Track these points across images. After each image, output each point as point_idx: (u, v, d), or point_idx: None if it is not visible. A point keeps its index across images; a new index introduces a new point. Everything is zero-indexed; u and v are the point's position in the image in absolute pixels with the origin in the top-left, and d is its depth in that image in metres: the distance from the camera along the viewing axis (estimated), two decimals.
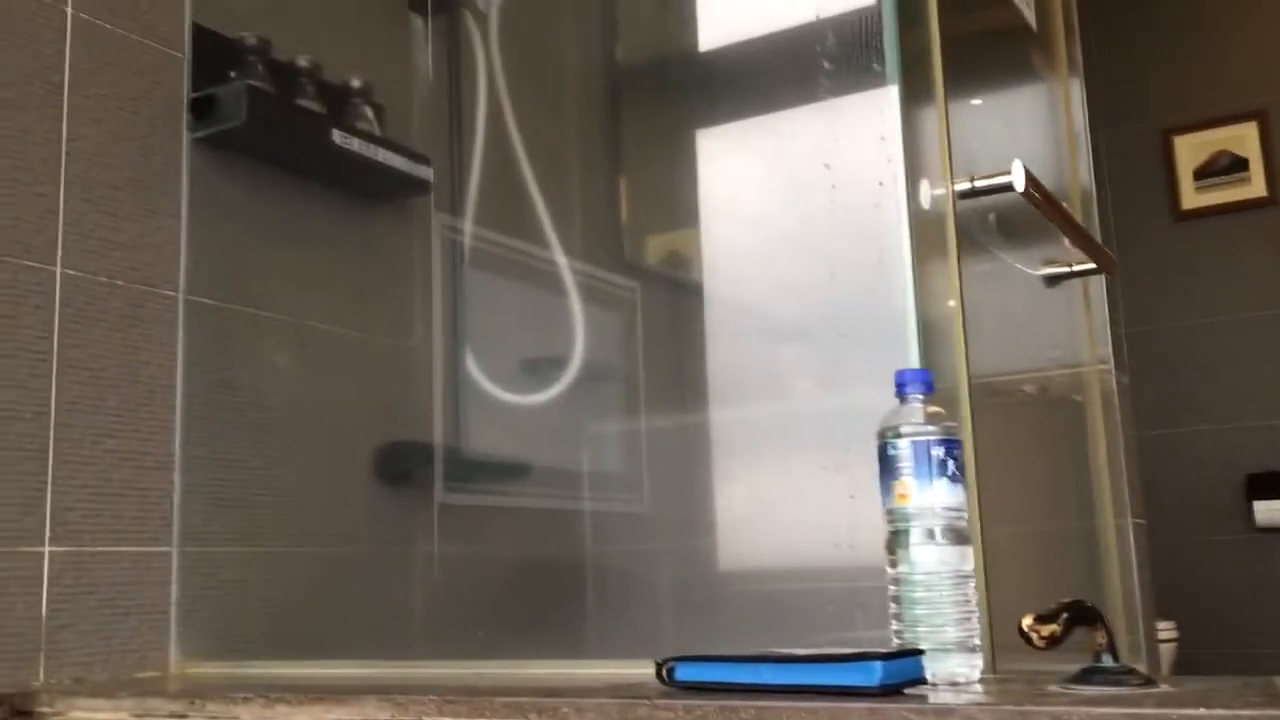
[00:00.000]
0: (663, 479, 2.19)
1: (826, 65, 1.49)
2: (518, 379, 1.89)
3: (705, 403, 2.25)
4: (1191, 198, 3.21)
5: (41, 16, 1.24)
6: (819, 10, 1.69)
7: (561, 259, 1.89)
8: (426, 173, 1.64)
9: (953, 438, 0.87)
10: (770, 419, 2.17)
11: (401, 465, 1.62)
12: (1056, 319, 1.80)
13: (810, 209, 2.02)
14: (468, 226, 1.83)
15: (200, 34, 1.41)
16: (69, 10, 1.27)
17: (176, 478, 1.31)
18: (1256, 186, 3.13)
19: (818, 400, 2.16)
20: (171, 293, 1.34)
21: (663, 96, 2.35)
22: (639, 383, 2.22)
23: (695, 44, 2.30)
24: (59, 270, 1.23)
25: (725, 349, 2.28)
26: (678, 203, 2.32)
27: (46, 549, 1.17)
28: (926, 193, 1.16)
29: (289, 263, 1.51)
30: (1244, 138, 3.14)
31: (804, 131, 1.96)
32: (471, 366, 1.80)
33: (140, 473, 1.27)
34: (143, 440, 1.28)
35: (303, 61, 1.49)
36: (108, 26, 1.31)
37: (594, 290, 2.03)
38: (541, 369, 1.90)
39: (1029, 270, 1.67)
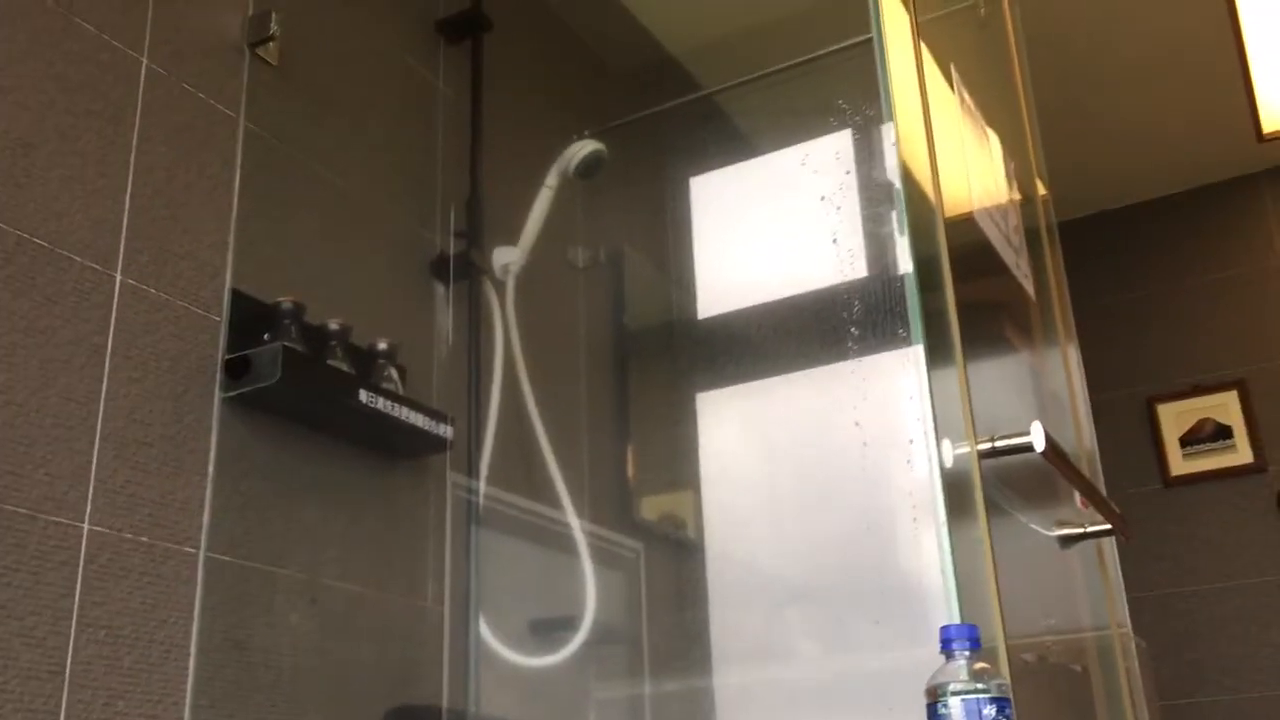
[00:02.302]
0: None
1: (850, 329, 1.55)
2: (528, 640, 1.85)
3: (710, 666, 2.21)
4: (1180, 464, 3.27)
5: (90, 283, 1.30)
6: (832, 278, 1.78)
7: (573, 519, 1.90)
8: (447, 431, 1.67)
9: (1004, 696, 0.86)
10: (777, 682, 2.12)
11: None
12: (1071, 580, 1.80)
13: (827, 469, 2.05)
14: (481, 486, 1.84)
15: (238, 298, 1.46)
16: (118, 277, 1.33)
17: None
18: (1243, 453, 3.20)
19: (827, 663, 2.13)
20: (192, 550, 1.34)
21: (666, 361, 2.43)
22: (644, 645, 2.18)
23: (696, 312, 2.40)
24: (86, 527, 1.23)
25: (728, 610, 2.26)
26: (678, 463, 2.36)
27: None
28: (949, 451, 1.19)
29: (308, 519, 1.51)
30: (1226, 406, 3.24)
31: (822, 392, 2.02)
32: (483, 627, 1.77)
33: None
34: (153, 703, 1.25)
35: (333, 325, 1.55)
36: (152, 291, 1.36)
37: (601, 550, 2.03)
38: (551, 629, 1.87)
39: (1043, 531, 1.68)
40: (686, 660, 2.19)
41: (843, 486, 2.04)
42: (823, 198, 1.92)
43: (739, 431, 2.31)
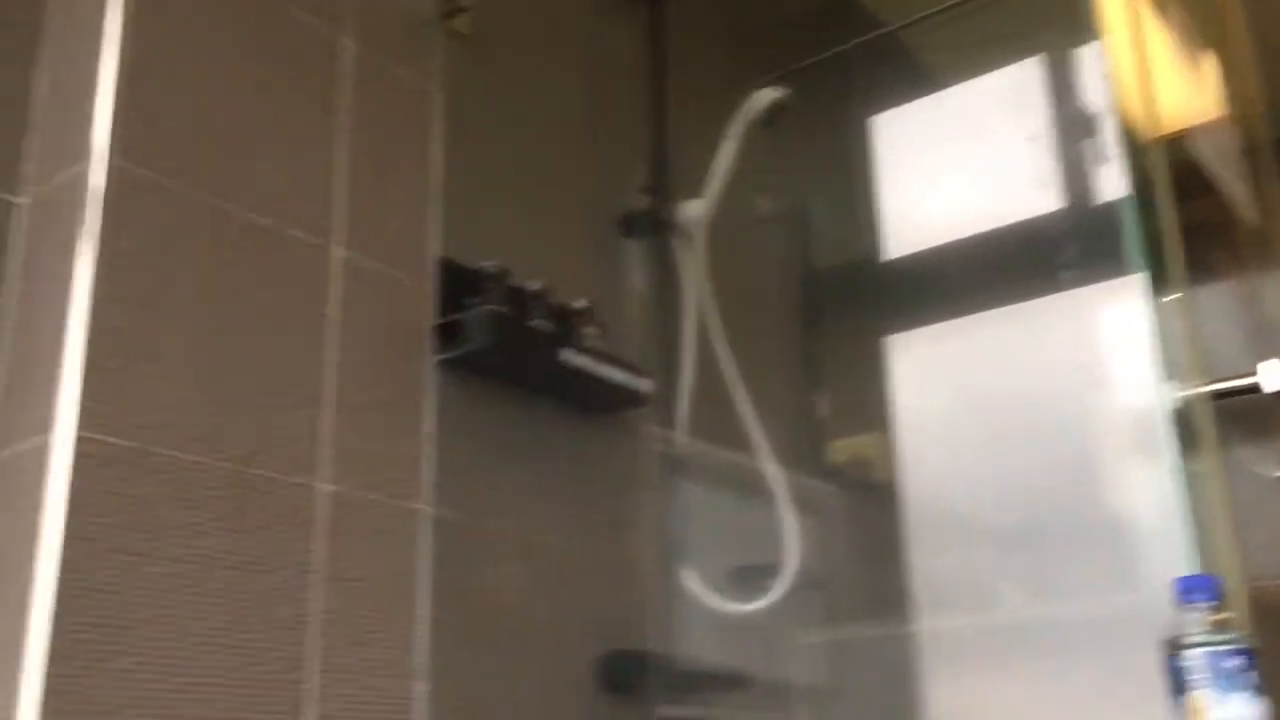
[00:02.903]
0: (871, 692, 2.12)
1: (1056, 261, 1.51)
2: (729, 588, 1.88)
3: (911, 611, 2.20)
4: None
5: (310, 259, 1.37)
6: (1034, 208, 1.72)
7: (770, 466, 1.91)
8: (645, 385, 1.70)
9: (1248, 647, 0.83)
10: (981, 628, 2.10)
11: (623, 675, 1.62)
12: None
13: (1031, 407, 2.00)
14: (679, 437, 1.87)
15: (445, 265, 1.52)
16: (335, 251, 1.40)
17: (420, 687, 1.34)
18: None
19: (1033, 609, 2.09)
20: (418, 506, 1.41)
21: (856, 304, 2.40)
22: (842, 591, 2.18)
23: (885, 254, 2.36)
24: (323, 487, 1.31)
25: (928, 554, 2.24)
26: (872, 407, 2.33)
27: None
28: (1172, 389, 1.15)
29: (518, 475, 1.57)
30: None
31: (1026, 328, 1.97)
32: (685, 575, 1.81)
33: (390, 681, 1.31)
34: (389, 650, 1.33)
35: (534, 286, 1.59)
36: (367, 263, 1.43)
37: (797, 497, 2.03)
38: (752, 576, 1.89)
39: (1266, 473, 1.61)
40: (886, 605, 2.18)
41: (1049, 425, 1.98)
42: (1019, 126, 1.85)
43: (934, 372, 2.27)
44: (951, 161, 2.16)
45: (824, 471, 2.26)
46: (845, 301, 2.41)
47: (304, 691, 1.23)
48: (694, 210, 1.96)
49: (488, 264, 1.55)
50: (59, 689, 1.05)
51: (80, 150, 1.22)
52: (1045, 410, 2.05)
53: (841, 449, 2.37)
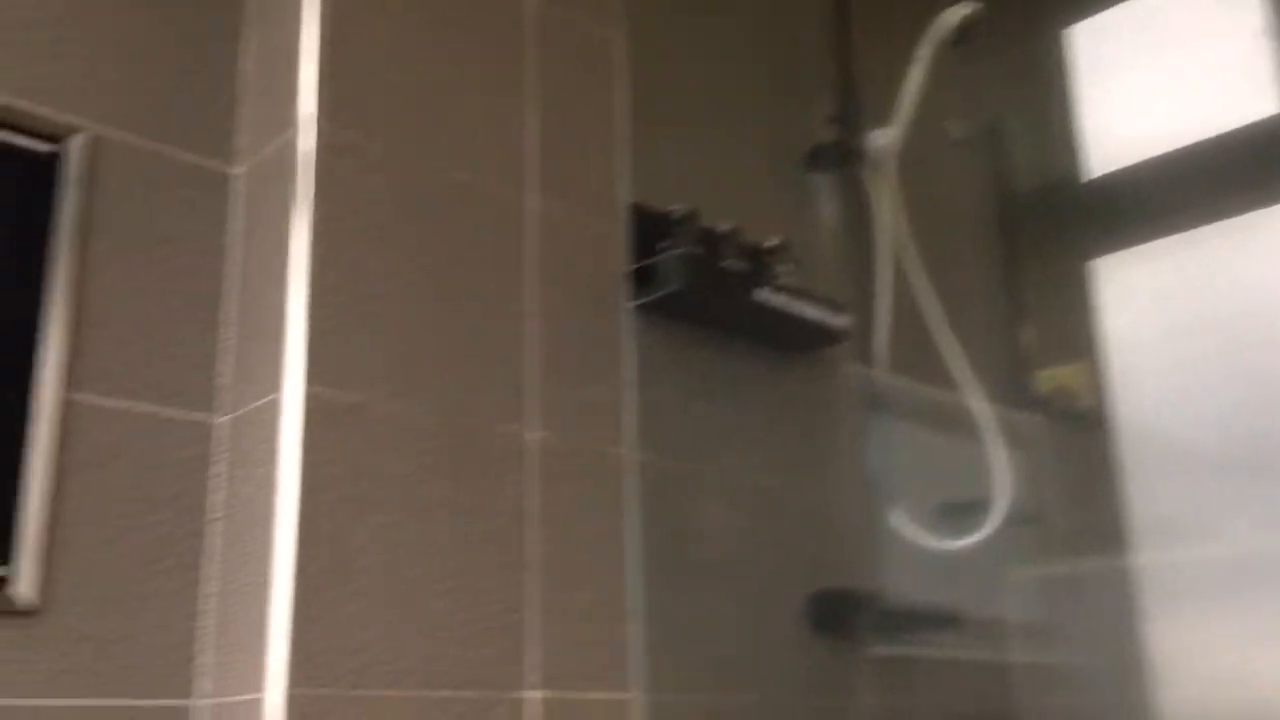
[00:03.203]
0: (1089, 628, 2.05)
1: None
2: (937, 525, 1.84)
3: (1128, 544, 2.11)
4: None
5: (506, 211, 1.39)
6: (1258, 112, 1.59)
7: (974, 399, 1.86)
8: (842, 321, 1.67)
9: None
10: (1203, 561, 1.99)
11: (833, 614, 1.61)
12: None
13: (1254, 328, 1.88)
14: (878, 372, 1.84)
15: (636, 210, 1.52)
16: (529, 202, 1.42)
17: (634, 628, 1.37)
18: None
19: (1258, 540, 1.97)
20: (622, 450, 1.43)
21: (1057, 226, 2.30)
22: (1056, 524, 2.11)
23: (1087, 172, 2.24)
24: (531, 434, 1.34)
25: (1144, 484, 2.14)
26: (1077, 333, 2.23)
27: (533, 694, 1.25)
28: None
29: (718, 418, 1.57)
30: None
31: (1247, 244, 1.85)
32: (891, 513, 1.78)
33: (605, 624, 1.34)
34: (602, 589, 1.36)
35: (724, 227, 1.58)
36: (559, 213, 1.45)
37: (1004, 429, 1.97)
38: (960, 513, 1.85)
39: None
40: (1103, 539, 2.10)
41: (1275, 347, 1.86)
42: (1240, 21, 1.72)
43: (1145, 295, 2.15)
44: (1159, 68, 2.02)
45: (1029, 402, 2.18)
46: (1046, 225, 2.31)
47: (526, 632, 1.27)
48: (883, 138, 1.90)
49: (677, 207, 1.55)
50: (303, 633, 1.11)
51: (288, 119, 1.27)
52: (1270, 330, 1.92)
53: (1046, 379, 2.28)
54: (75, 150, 1.22)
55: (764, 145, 1.80)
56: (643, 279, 1.49)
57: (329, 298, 1.21)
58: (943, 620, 1.75)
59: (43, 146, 1.21)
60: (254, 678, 1.11)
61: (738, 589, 1.53)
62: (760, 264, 1.61)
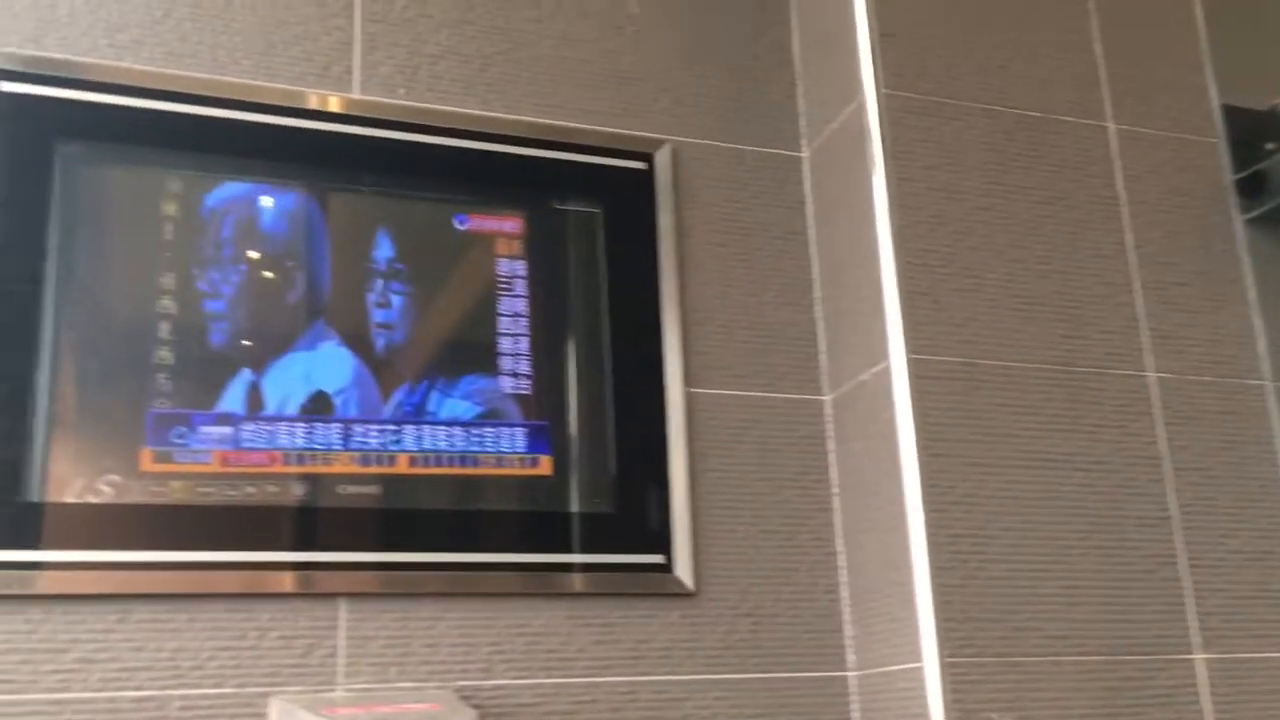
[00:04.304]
0: None
1: None
2: None
3: None
4: None
5: (1086, 139, 1.29)
6: None
7: None
8: None
9: None
10: None
11: None
12: None
13: None
14: None
15: (1230, 113, 1.36)
16: (1110, 126, 1.31)
17: None
18: None
19: None
20: (1257, 381, 1.27)
21: None
22: None
23: None
24: (1150, 375, 1.23)
25: None
26: None
27: (1198, 656, 1.14)
28: None
29: None
30: None
31: None
32: None
33: (1270, 572, 1.20)
34: (1266, 538, 1.21)
35: None
36: (1145, 131, 1.32)
37: None
38: None
39: None
40: None
41: None
42: None
43: None
44: None
45: None
46: None
47: (1184, 590, 1.16)
48: None
49: (1278, 102, 1.36)
50: (947, 601, 1.09)
51: (850, 90, 1.27)
52: None
53: None
54: (662, 162, 1.30)
55: None
56: (1252, 189, 1.33)
57: (920, 260, 1.19)
58: None
59: (635, 164, 1.30)
60: (906, 647, 1.11)
61: None
62: None
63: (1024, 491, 1.15)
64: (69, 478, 1.02)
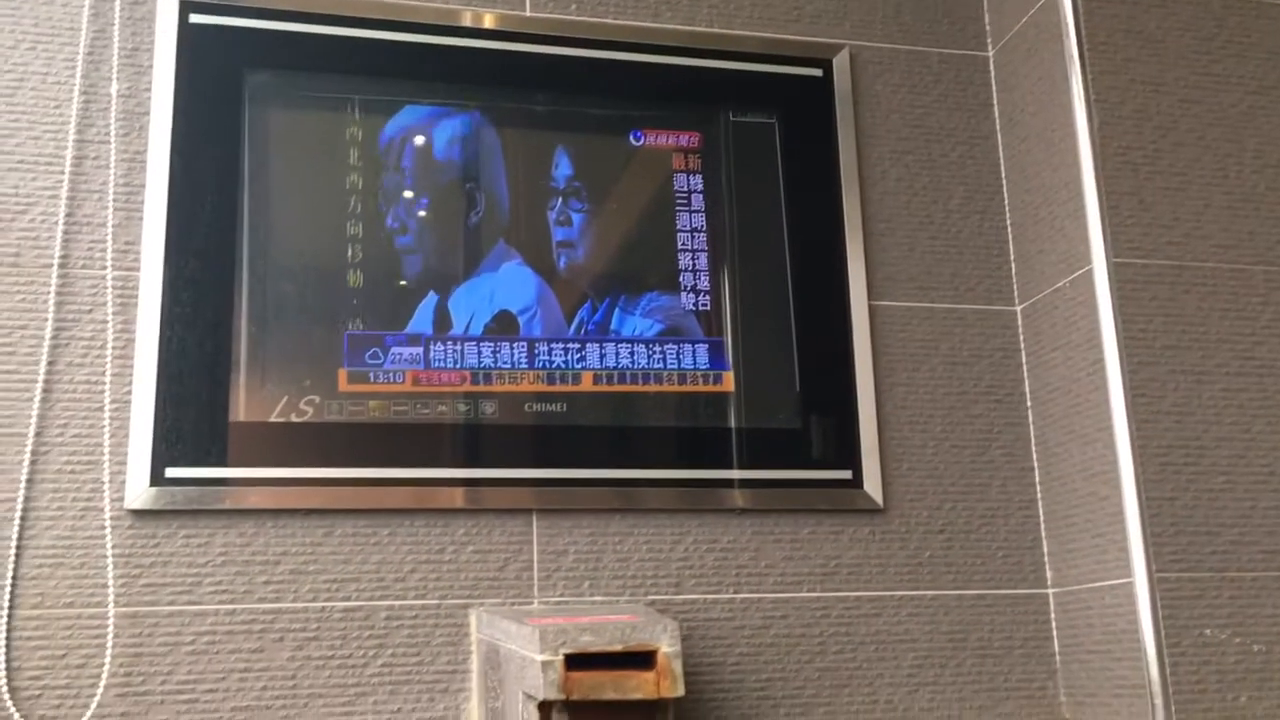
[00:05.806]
0: None
1: None
2: None
3: None
4: None
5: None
6: None
7: None
8: None
9: None
10: None
11: None
12: None
13: None
14: None
15: None
16: None
17: None
18: None
19: None
20: None
21: None
22: None
23: None
24: None
25: None
26: None
27: None
28: None
29: None
30: None
31: None
32: None
33: None
34: None
35: None
36: None
37: None
38: None
39: None
40: None
41: None
42: None
43: None
44: None
45: None
46: None
47: None
48: None
49: None
50: (1158, 515, 1.04)
51: None
52: None
53: None
54: (839, 68, 1.26)
55: None
56: None
57: (1123, 158, 1.12)
58: None
59: (812, 71, 1.26)
60: (1113, 563, 1.06)
61: None
62: None
63: (1240, 400, 1.09)
64: (272, 399, 1.05)
